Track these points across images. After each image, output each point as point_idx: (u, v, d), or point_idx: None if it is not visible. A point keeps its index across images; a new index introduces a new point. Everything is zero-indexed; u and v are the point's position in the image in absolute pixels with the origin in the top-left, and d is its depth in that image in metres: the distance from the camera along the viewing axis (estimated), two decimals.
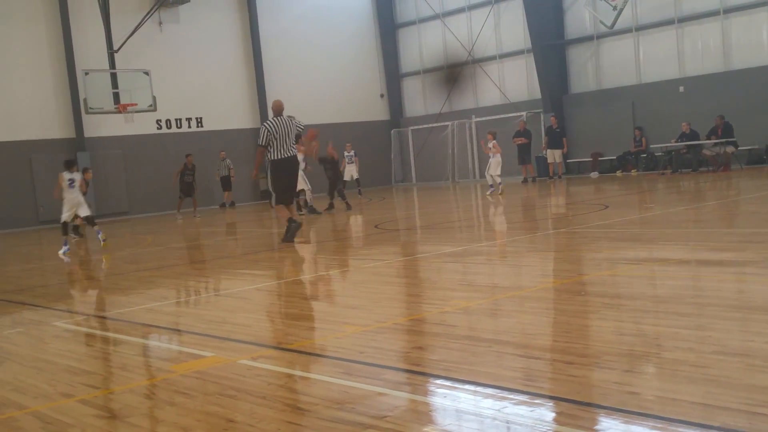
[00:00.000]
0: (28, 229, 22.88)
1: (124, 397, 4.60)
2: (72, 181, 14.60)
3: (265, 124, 12.33)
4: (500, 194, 19.70)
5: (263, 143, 12.17)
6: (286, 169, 12.31)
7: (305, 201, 18.87)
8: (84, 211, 14.80)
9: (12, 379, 5.20)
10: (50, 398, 4.66)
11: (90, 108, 20.80)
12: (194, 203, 22.94)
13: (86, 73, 21.04)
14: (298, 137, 13.10)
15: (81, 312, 7.93)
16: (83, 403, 4.52)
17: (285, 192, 12.47)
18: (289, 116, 12.26)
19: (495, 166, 20.11)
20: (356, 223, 16.48)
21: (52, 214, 20.37)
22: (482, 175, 28.52)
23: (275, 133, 12.00)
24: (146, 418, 4.18)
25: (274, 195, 13.06)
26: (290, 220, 12.32)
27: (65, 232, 14.55)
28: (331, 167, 19.66)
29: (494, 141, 20.29)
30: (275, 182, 12.69)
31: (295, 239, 12.31)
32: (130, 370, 5.39)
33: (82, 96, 22.07)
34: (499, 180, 20.22)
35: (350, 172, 23.84)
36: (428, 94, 31.42)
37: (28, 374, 5.34)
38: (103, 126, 24.49)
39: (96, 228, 14.75)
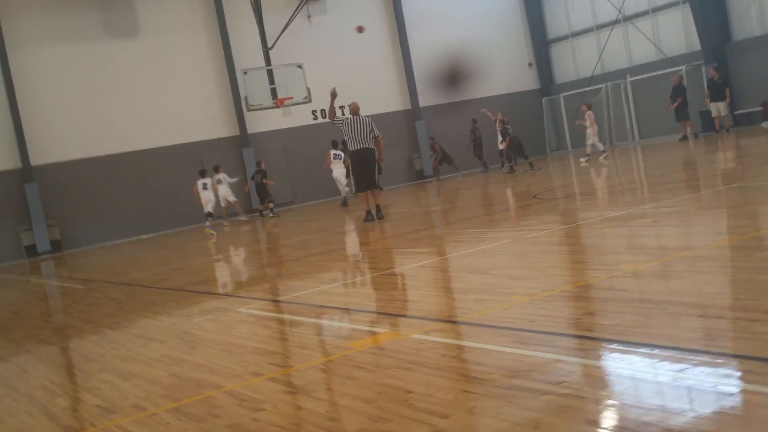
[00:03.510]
0: (201, 225, 24.32)
1: (308, 373, 4.88)
2: (204, 184, 20.52)
3: (344, 118, 14.30)
4: (602, 159, 20.74)
5: (338, 123, 14.16)
6: (360, 160, 14.03)
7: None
8: (209, 208, 20.34)
9: (206, 362, 5.63)
10: (242, 378, 5.01)
11: (250, 105, 21.79)
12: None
13: (245, 73, 22.04)
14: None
15: (261, 298, 8.41)
16: (271, 380, 4.83)
17: (360, 181, 14.23)
18: (367, 116, 14.21)
19: (592, 135, 21.28)
20: (513, 194, 16.37)
21: (217, 210, 21.86)
22: (642, 136, 27.57)
23: (348, 129, 13.93)
24: (330, 392, 4.43)
25: (354, 183, 14.90)
26: (367, 212, 14.32)
27: (207, 218, 20.25)
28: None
29: (589, 112, 21.35)
30: (353, 172, 14.68)
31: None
32: (310, 348, 5.69)
33: (242, 94, 23.17)
34: (601, 147, 21.42)
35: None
36: (578, 59, 30.55)
37: (219, 357, 5.75)
38: (263, 121, 25.63)
39: (208, 223, 19.84)
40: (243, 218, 22.59)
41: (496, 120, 23.31)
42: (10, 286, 15.69)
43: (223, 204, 21.71)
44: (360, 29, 20.39)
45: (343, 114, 14.37)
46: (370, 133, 13.95)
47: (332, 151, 21.68)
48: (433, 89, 26.96)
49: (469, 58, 29.33)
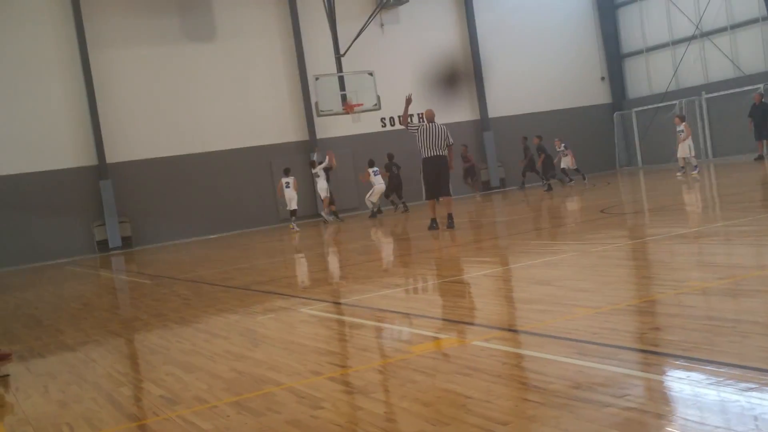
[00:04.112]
0: (270, 226, 24.66)
1: (368, 374, 4.90)
2: (287, 183, 21.13)
3: (419, 125, 14.31)
4: (694, 174, 20.11)
5: (412, 129, 14.32)
6: (432, 166, 13.97)
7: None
8: (293, 205, 21.23)
9: (268, 359, 5.70)
10: (302, 376, 5.06)
11: (321, 111, 22.01)
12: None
13: (316, 78, 22.28)
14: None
15: (323, 299, 8.48)
16: (331, 380, 4.87)
17: (432, 188, 14.18)
18: (442, 124, 14.21)
19: (685, 149, 20.79)
20: (581, 208, 16.15)
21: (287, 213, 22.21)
22: (715, 155, 26.89)
23: (423, 136, 13.93)
24: (388, 394, 4.44)
25: (424, 190, 14.87)
26: (432, 221, 14.26)
27: (291, 216, 21.42)
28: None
29: (684, 123, 20.87)
30: (424, 179, 14.49)
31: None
32: (370, 350, 5.72)
33: (313, 100, 23.44)
34: (694, 162, 20.83)
35: (566, 162, 24.82)
36: (653, 74, 30.00)
37: (281, 355, 5.82)
38: (332, 127, 25.86)
39: (293, 219, 21.14)
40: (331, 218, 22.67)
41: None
42: (82, 279, 16.17)
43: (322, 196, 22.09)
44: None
45: (419, 120, 14.36)
46: (444, 140, 13.97)
47: (370, 169, 22.70)
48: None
49: (540, 70, 29.13)
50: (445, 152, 14.00)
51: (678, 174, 20.25)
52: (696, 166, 20.92)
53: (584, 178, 24.48)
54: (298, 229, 20.85)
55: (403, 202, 23.26)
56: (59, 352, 7.39)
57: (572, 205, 17.53)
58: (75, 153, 23.14)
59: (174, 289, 11.56)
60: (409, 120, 14.61)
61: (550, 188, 23.29)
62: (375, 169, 22.72)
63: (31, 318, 10.32)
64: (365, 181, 23.02)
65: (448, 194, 14.24)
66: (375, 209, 22.91)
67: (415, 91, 26.42)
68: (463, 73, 27.29)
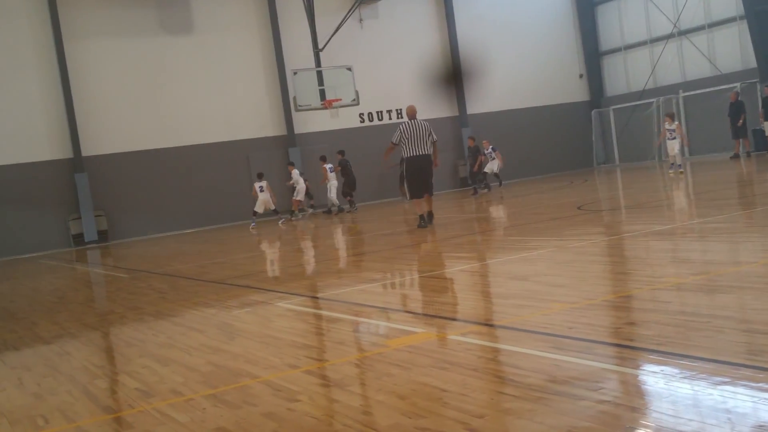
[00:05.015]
0: (247, 222, 24.53)
1: (344, 368, 4.90)
2: (261, 187, 21.04)
3: (400, 126, 13.71)
4: (680, 173, 19.63)
5: (395, 141, 13.68)
6: (416, 166, 13.54)
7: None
8: (261, 209, 21.11)
9: (244, 352, 5.69)
10: (278, 369, 5.05)
11: (299, 105, 21.92)
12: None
13: (294, 73, 22.19)
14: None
15: (300, 293, 8.46)
16: (308, 373, 4.87)
17: (415, 187, 13.68)
18: (424, 120, 13.77)
19: (674, 146, 20.12)
20: (558, 205, 16.24)
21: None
22: (692, 153, 27.10)
23: (407, 134, 13.43)
24: (365, 387, 4.45)
25: (407, 189, 14.25)
26: (421, 217, 13.78)
27: (253, 214, 21.32)
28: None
29: (677, 123, 20.26)
30: (407, 178, 13.89)
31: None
32: (347, 344, 5.72)
33: (291, 95, 23.32)
34: (679, 162, 20.27)
35: (491, 166, 24.39)
36: (631, 72, 30.21)
37: (257, 348, 5.81)
38: (311, 122, 25.79)
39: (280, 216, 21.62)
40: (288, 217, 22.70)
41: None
42: (57, 273, 16.02)
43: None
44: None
45: (399, 130, 13.75)
46: (429, 137, 13.55)
47: (326, 165, 22.96)
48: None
49: (519, 67, 29.26)
50: (429, 151, 13.57)
51: (671, 172, 20.11)
52: (680, 165, 20.67)
53: (500, 184, 24.56)
54: (255, 231, 20.08)
55: (352, 201, 23.19)
56: (34, 344, 7.32)
57: (549, 202, 17.62)
58: (50, 145, 22.89)
59: (150, 282, 11.49)
60: (391, 151, 14.33)
61: (476, 192, 23.16)
62: (329, 166, 22.97)
63: (5, 311, 10.22)
64: (323, 183, 23.29)
65: (430, 193, 13.85)
66: (335, 207, 23.19)
67: (389, 87, 26.78)
68: (461, 72, 27.40)
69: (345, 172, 23.25)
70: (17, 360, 6.68)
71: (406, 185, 14.42)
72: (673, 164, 20.39)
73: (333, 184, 23.04)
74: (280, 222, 21.63)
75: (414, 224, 14.33)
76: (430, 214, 13.96)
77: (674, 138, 20.12)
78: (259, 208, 21.15)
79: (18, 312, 9.95)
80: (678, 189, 16.59)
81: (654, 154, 28.34)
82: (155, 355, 6.00)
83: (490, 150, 24.16)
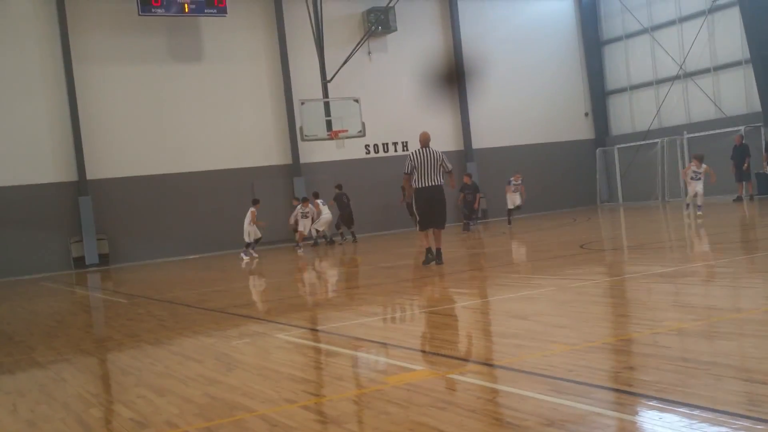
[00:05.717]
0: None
1: (341, 404, 4.87)
2: (250, 215, 20.14)
3: (410, 154, 12.99)
4: (699, 215, 18.69)
5: (407, 171, 12.88)
6: (426, 198, 12.83)
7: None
8: (249, 238, 20.28)
9: (241, 385, 5.65)
10: (275, 403, 5.02)
11: (305, 135, 22.03)
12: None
13: (302, 103, 22.34)
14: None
15: (300, 325, 8.43)
16: (305, 408, 4.83)
17: (424, 219, 12.96)
18: (436, 150, 12.86)
19: (697, 187, 19.11)
20: (560, 242, 16.22)
21: (274, 234, 22.14)
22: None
23: (417, 163, 12.68)
24: (362, 425, 4.41)
25: (417, 221, 13.35)
26: (428, 250, 13.15)
27: (246, 246, 20.40)
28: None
29: (705, 166, 19.13)
30: (417, 209, 13.09)
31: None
32: (345, 380, 5.68)
33: (298, 124, 23.45)
34: (700, 202, 19.22)
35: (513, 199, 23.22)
36: (636, 112, 30.36)
37: (255, 381, 5.77)
38: (317, 152, 25.87)
39: (252, 249, 20.39)
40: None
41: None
42: (57, 296, 16.00)
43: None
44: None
45: (409, 159, 13.03)
46: (440, 166, 12.76)
47: (319, 201, 22.87)
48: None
49: (525, 104, 29.42)
50: (440, 182, 12.79)
51: (687, 212, 19.65)
52: (700, 206, 20.06)
53: (509, 222, 23.43)
54: (247, 258, 19.96)
55: (352, 232, 23.29)
56: (30, 369, 7.29)
57: (552, 239, 17.60)
58: (55, 168, 22.99)
59: (150, 309, 11.46)
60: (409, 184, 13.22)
61: (467, 228, 22.87)
62: (321, 200, 22.95)
63: (2, 334, 10.18)
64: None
65: (441, 227, 13.14)
66: (319, 239, 23.23)
67: (396, 120, 26.90)
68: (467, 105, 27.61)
69: (340, 205, 23.27)
70: (12, 385, 6.65)
71: (417, 216, 13.38)
72: (689, 204, 19.98)
73: (325, 217, 22.88)
74: (299, 250, 21.50)
75: (420, 258, 13.72)
76: (438, 252, 13.09)
77: (699, 179, 19.45)
78: (248, 237, 20.29)
79: (15, 335, 9.91)
80: (681, 230, 16.57)
81: (658, 195, 28.39)
82: (151, 385, 5.97)
83: (519, 182, 23.10)
